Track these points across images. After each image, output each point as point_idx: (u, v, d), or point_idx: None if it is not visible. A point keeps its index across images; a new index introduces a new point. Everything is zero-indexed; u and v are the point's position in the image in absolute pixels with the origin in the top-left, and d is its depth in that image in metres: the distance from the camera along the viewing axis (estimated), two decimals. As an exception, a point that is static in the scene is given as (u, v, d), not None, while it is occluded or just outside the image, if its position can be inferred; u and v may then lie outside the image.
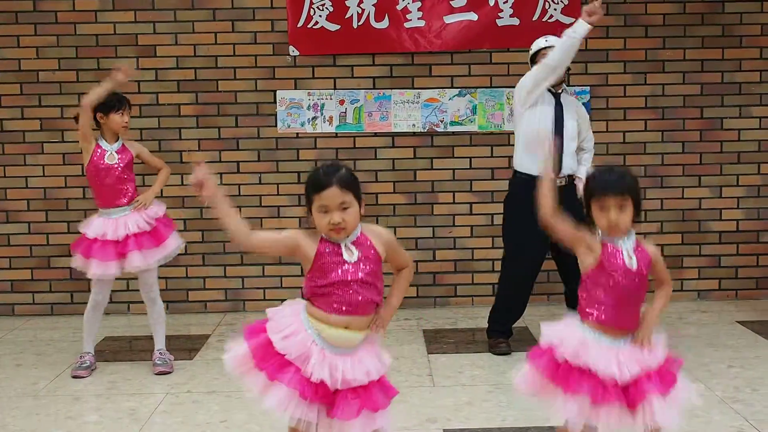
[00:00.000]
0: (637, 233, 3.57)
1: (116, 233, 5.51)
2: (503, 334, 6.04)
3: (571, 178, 5.79)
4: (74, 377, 5.61)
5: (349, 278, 3.33)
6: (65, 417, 4.96)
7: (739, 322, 6.66)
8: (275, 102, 7.14)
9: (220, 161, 7.14)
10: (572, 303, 6.04)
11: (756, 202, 7.19)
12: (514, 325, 6.17)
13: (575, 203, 5.76)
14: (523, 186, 5.52)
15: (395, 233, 7.15)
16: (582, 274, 3.59)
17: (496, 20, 7.12)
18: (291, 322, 3.40)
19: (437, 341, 6.31)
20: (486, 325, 6.16)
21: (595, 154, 6.62)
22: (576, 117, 5.91)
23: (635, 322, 3.57)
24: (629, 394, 3.48)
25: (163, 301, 5.87)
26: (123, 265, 5.53)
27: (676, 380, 3.57)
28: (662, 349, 3.60)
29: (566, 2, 7.09)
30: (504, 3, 7.11)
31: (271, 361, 3.35)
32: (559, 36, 5.73)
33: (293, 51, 7.11)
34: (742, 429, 4.57)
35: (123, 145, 5.67)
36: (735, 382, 5.30)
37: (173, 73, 7.12)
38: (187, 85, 7.13)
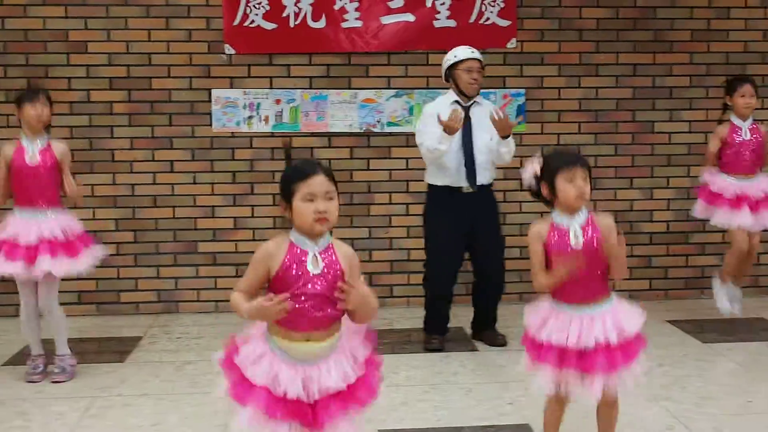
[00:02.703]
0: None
1: (28, 236, 5.28)
2: (437, 332, 6.13)
3: (484, 186, 5.95)
4: (27, 382, 5.48)
5: (310, 292, 3.24)
6: (-9, 421, 4.85)
7: (668, 321, 6.77)
8: (210, 101, 7.07)
9: (154, 160, 7.05)
10: (477, 327, 6.22)
11: (685, 204, 7.30)
12: (451, 325, 6.26)
13: (489, 206, 5.97)
14: (437, 197, 5.98)
15: (331, 234, 7.15)
16: None
17: (433, 22, 7.14)
18: (256, 345, 3.31)
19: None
20: (422, 326, 6.21)
21: (530, 156, 6.68)
22: (488, 129, 5.85)
23: (598, 290, 3.77)
24: (585, 364, 3.71)
25: (94, 303, 5.77)
26: (31, 269, 5.29)
27: (633, 357, 3.78)
28: (635, 322, 3.80)
29: (502, 5, 7.14)
30: (441, 5, 7.13)
31: (243, 386, 3.29)
32: (474, 47, 5.97)
33: (229, 49, 7.05)
34: (671, 426, 4.65)
35: (49, 144, 5.46)
36: (664, 380, 5.39)
37: (105, 70, 7.00)
38: (120, 82, 7.01)
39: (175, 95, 7.06)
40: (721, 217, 6.23)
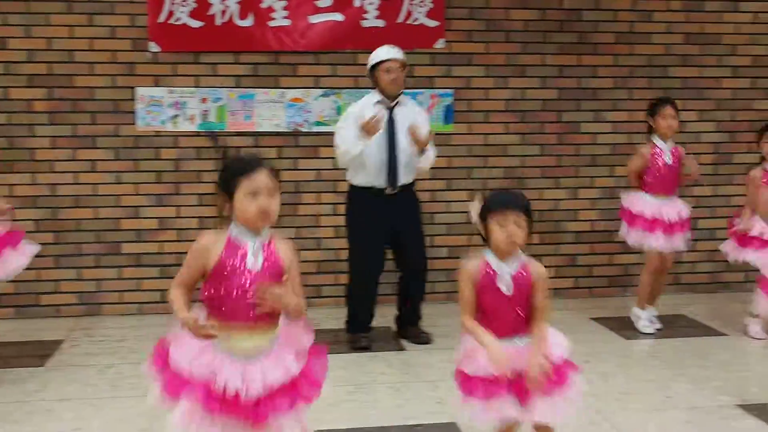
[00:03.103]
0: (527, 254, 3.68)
1: None
2: (361, 330, 6.16)
3: (406, 186, 5.98)
4: None
5: (250, 285, 3.20)
6: None
7: (593, 318, 6.86)
8: (134, 99, 6.96)
9: (76, 159, 6.92)
10: (401, 324, 6.20)
11: (609, 203, 7.42)
12: (379, 324, 6.29)
13: (411, 205, 6.02)
14: (359, 197, 6.01)
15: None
16: None
17: (362, 21, 7.14)
18: (192, 343, 3.23)
19: (301, 342, 6.26)
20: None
21: (458, 156, 6.76)
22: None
23: (524, 329, 3.66)
24: (521, 391, 3.59)
25: (13, 306, 5.62)
26: None
27: (565, 382, 3.69)
28: (560, 350, 3.71)
29: (430, 5, 7.16)
30: (369, 4, 7.13)
31: (178, 382, 3.22)
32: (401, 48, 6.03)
33: (154, 47, 6.95)
34: (594, 421, 4.71)
35: None
36: (588, 376, 5.40)
37: (25, 66, 6.84)
38: (40, 79, 6.86)
39: (98, 93, 6.93)
40: (635, 237, 6.34)
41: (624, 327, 6.56)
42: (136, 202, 7.02)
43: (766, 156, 6.32)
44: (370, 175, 5.92)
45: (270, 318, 3.28)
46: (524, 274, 3.65)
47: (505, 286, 3.61)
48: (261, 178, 3.21)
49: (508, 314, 3.63)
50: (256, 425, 3.23)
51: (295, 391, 3.31)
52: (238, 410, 3.20)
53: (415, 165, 5.99)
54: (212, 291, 3.24)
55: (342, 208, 7.14)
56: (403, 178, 5.94)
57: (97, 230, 6.99)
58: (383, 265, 6.12)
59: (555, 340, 3.74)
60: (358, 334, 6.12)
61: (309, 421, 4.69)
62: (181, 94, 7.02)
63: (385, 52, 5.93)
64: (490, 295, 3.62)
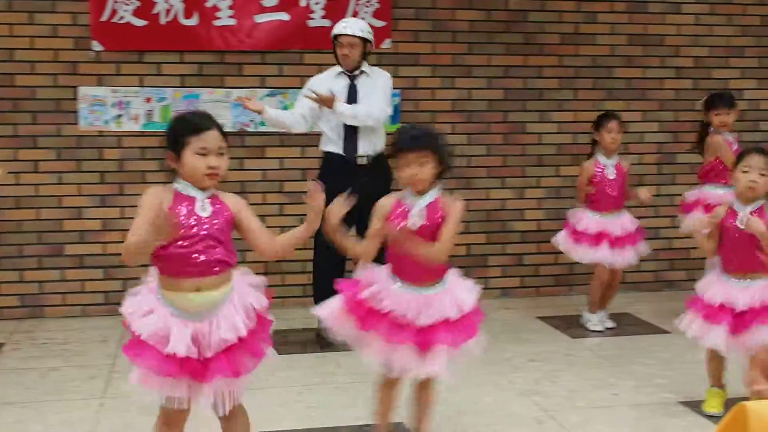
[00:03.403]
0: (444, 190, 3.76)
1: None
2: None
3: (371, 157, 5.97)
4: None
5: (200, 232, 3.23)
6: None
7: (539, 317, 6.91)
8: (76, 98, 6.86)
9: (16, 160, 6.78)
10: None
11: (555, 203, 7.48)
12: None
13: (377, 179, 5.89)
14: (327, 163, 6.03)
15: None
16: None
17: (308, 21, 7.11)
18: (146, 301, 3.27)
19: (247, 343, 6.22)
20: (298, 327, 6.19)
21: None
22: (376, 97, 5.96)
23: (434, 272, 3.76)
24: (425, 339, 3.69)
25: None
26: None
27: (474, 333, 3.82)
28: (472, 298, 3.82)
29: (377, 6, 7.16)
30: (315, 4, 7.10)
31: (137, 344, 3.25)
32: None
33: (96, 46, 6.85)
34: (540, 420, 4.74)
35: None
36: (535, 375, 5.50)
37: (-35, 65, 6.73)
38: (-20, 78, 6.75)
39: (39, 93, 6.81)
40: (581, 254, 6.39)
41: (570, 326, 6.62)
42: (79, 203, 6.92)
43: (717, 127, 6.41)
44: (333, 144, 5.99)
45: (221, 269, 3.30)
46: (437, 206, 3.77)
47: (415, 218, 3.73)
48: (212, 137, 3.24)
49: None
50: (202, 382, 3.26)
51: (241, 351, 3.32)
52: (188, 370, 3.22)
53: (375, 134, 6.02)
54: (163, 245, 3.22)
55: (288, 209, 7.16)
56: (363, 147, 5.95)
57: (39, 231, 6.87)
58: (344, 257, 5.99)
59: (465, 288, 3.84)
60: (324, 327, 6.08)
61: (256, 424, 4.69)
62: (124, 93, 6.93)
63: (339, 27, 5.98)
64: (397, 228, 3.72)
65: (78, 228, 6.92)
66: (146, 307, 3.25)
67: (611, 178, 6.36)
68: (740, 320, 4.51)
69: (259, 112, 5.94)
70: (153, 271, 3.34)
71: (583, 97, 7.46)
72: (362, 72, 6.02)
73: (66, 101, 6.85)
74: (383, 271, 3.82)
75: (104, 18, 6.82)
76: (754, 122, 7.85)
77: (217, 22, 6.98)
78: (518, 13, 7.45)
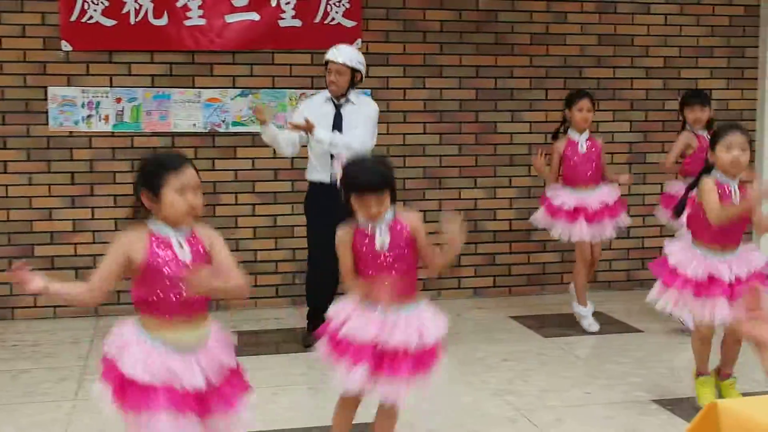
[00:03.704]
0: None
1: None
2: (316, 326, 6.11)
3: None
4: None
5: (180, 279, 3.17)
6: None
7: (512, 317, 6.93)
8: (46, 99, 6.80)
9: (-14, 160, 6.74)
10: None
11: (527, 203, 7.50)
12: (295, 326, 6.29)
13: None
14: (312, 192, 6.04)
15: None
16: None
17: (279, 21, 7.09)
18: (139, 349, 3.19)
19: (219, 345, 6.20)
20: (271, 327, 6.20)
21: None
22: (360, 126, 5.95)
23: (404, 292, 3.75)
24: (385, 363, 3.69)
25: None
26: None
27: (430, 366, 3.76)
28: (437, 331, 3.79)
29: (347, 5, 7.15)
30: (286, 4, 7.09)
31: (135, 394, 3.16)
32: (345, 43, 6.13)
33: (66, 46, 6.80)
34: (514, 419, 4.76)
35: None
36: (508, 375, 5.52)
37: (-68, 65, 6.65)
38: (-52, 78, 6.67)
39: (8, 93, 6.75)
40: (559, 230, 6.41)
41: (543, 325, 6.65)
42: (49, 204, 6.86)
43: (692, 124, 6.45)
44: (319, 172, 5.97)
45: (203, 309, 3.28)
46: (401, 225, 3.79)
47: (380, 241, 3.75)
48: (191, 175, 3.23)
49: (391, 271, 3.75)
50: (204, 417, 3.23)
51: (233, 386, 3.32)
52: (196, 406, 3.19)
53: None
54: (145, 289, 3.20)
55: (260, 209, 7.15)
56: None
57: (9, 232, 6.81)
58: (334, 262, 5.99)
59: (433, 320, 3.80)
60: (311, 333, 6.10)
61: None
62: (94, 93, 6.88)
63: (330, 53, 5.96)
64: (368, 255, 3.75)
65: (48, 229, 6.86)
66: (141, 352, 3.17)
67: (584, 152, 6.40)
68: (732, 292, 4.60)
69: (263, 122, 5.89)
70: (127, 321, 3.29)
71: (553, 97, 7.49)
72: (348, 101, 6.01)
73: (35, 101, 6.79)
74: (352, 300, 3.81)
75: (73, 18, 6.77)
76: (723, 122, 7.90)
77: (187, 22, 6.95)
78: (489, 13, 7.47)
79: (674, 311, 4.90)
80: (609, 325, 6.71)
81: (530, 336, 6.41)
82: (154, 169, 3.24)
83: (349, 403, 3.94)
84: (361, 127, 5.93)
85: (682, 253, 4.78)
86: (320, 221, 5.88)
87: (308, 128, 5.79)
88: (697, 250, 4.73)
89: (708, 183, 4.68)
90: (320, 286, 6.04)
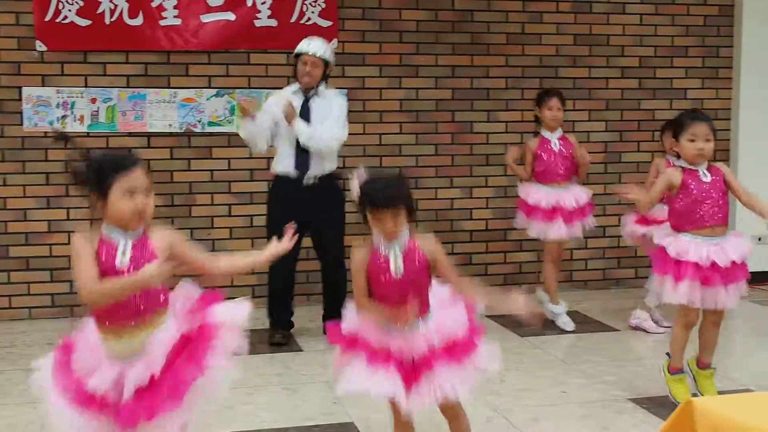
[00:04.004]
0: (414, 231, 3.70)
1: None
2: (281, 326, 6.19)
3: (319, 177, 6.00)
4: None
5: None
6: None
7: (488, 316, 6.92)
8: (21, 99, 6.76)
9: (-41, 161, 6.68)
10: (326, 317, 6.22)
11: (503, 202, 7.52)
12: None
13: (331, 199, 5.98)
14: (277, 185, 6.09)
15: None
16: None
17: (254, 21, 7.08)
18: (89, 348, 3.18)
19: (196, 345, 6.19)
20: (247, 327, 6.15)
21: (353, 156, 6.76)
22: (329, 119, 6.02)
23: (423, 307, 3.66)
24: (416, 369, 3.61)
25: None
26: None
27: (474, 349, 3.71)
28: (460, 322, 3.70)
29: (323, 5, 7.15)
30: (262, 4, 7.07)
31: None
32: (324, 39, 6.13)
33: (40, 46, 6.76)
34: (491, 418, 4.77)
35: None
36: (485, 374, 5.51)
37: None
38: None
39: (-19, 93, 6.72)
40: (537, 230, 6.43)
41: (519, 324, 6.63)
42: (23, 205, 6.82)
43: (668, 150, 6.50)
44: (285, 164, 5.99)
45: (147, 316, 3.17)
46: (415, 250, 3.67)
47: (395, 266, 3.63)
48: (139, 176, 3.11)
49: (403, 294, 3.61)
50: (125, 427, 3.13)
51: (163, 391, 3.17)
52: (108, 410, 3.12)
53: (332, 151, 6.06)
54: None
55: (237, 209, 7.13)
56: (316, 168, 5.97)
57: (-18, 234, 6.78)
58: (296, 256, 5.95)
59: (453, 315, 3.72)
60: (276, 330, 6.14)
61: (205, 426, 4.65)
62: (69, 94, 6.84)
63: (304, 45, 5.99)
64: (383, 276, 3.63)
65: (23, 230, 6.82)
66: (87, 352, 3.16)
67: (557, 150, 6.42)
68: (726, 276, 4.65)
69: (252, 118, 5.94)
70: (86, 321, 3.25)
71: (529, 96, 7.49)
72: (317, 94, 6.05)
73: (10, 102, 6.75)
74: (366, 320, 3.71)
75: (48, 18, 6.73)
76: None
77: (162, 22, 6.93)
78: (465, 13, 7.49)
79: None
80: (585, 324, 6.74)
81: (506, 335, 6.42)
82: (101, 170, 3.12)
83: (405, 426, 3.82)
84: (332, 119, 5.98)
85: (679, 242, 4.73)
86: (285, 217, 5.86)
87: (291, 115, 5.83)
88: (688, 237, 4.72)
89: (668, 171, 4.79)
90: (281, 291, 6.12)
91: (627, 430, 4.64)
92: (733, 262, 4.66)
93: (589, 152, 7.38)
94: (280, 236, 5.82)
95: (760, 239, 7.64)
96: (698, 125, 4.70)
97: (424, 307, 3.68)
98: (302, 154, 5.97)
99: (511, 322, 6.70)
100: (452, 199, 7.58)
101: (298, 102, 6.00)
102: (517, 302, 3.72)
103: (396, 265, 3.63)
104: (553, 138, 6.44)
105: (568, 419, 4.79)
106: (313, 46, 5.98)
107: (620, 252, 7.87)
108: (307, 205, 5.90)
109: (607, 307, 7.13)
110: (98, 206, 3.12)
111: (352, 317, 3.74)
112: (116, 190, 3.07)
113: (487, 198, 7.63)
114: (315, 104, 6.02)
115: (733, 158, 7.95)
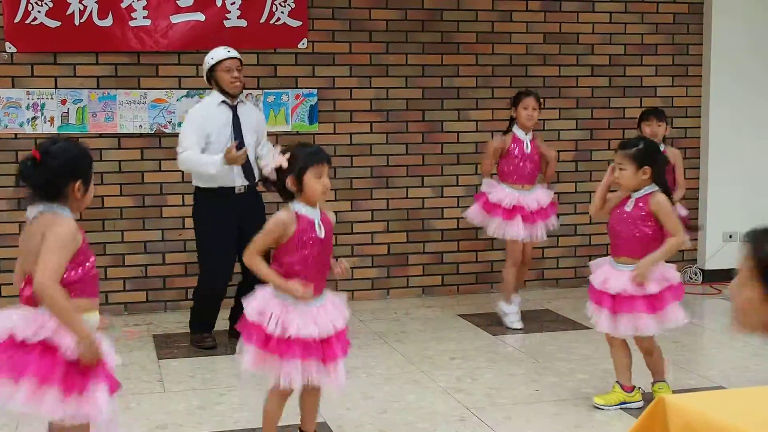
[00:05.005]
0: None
1: None
2: (206, 329, 6.18)
3: (249, 187, 5.99)
4: None
5: (93, 259, 3.44)
6: None
7: (460, 315, 6.97)
8: (-11, 101, 6.72)
9: (-73, 164, 6.62)
10: (232, 322, 6.14)
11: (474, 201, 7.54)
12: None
13: (257, 206, 6.04)
14: (207, 198, 5.99)
15: (122, 237, 6.96)
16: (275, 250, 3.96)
17: (224, 21, 7.06)
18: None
19: (168, 346, 6.17)
20: (219, 328, 6.17)
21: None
22: (255, 128, 6.05)
23: (325, 283, 4.00)
24: (324, 352, 3.89)
25: None
26: None
27: (347, 347, 4.05)
28: (345, 313, 4.03)
29: (293, 5, 7.14)
30: (231, 4, 7.06)
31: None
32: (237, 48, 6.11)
33: (10, 47, 6.71)
34: (463, 417, 4.79)
35: None
36: (457, 373, 5.55)
37: None
38: None
39: (-50, 95, 6.65)
40: (495, 228, 6.46)
41: (491, 323, 6.69)
42: (-8, 208, 6.77)
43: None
44: (219, 176, 5.86)
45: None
46: (326, 219, 3.99)
47: (319, 229, 3.91)
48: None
49: (324, 260, 3.96)
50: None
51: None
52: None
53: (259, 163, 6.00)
54: (80, 268, 3.34)
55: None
56: (255, 174, 5.97)
57: (-49, 237, 6.72)
58: (233, 267, 6.04)
59: (341, 306, 4.02)
60: (203, 334, 6.13)
61: (177, 426, 4.66)
62: (39, 95, 6.80)
63: (224, 52, 5.94)
64: (309, 241, 3.88)
65: (-8, 233, 6.77)
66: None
67: (527, 151, 6.47)
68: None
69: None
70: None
71: (500, 95, 7.54)
72: (240, 100, 6.03)
73: (-23, 104, 6.70)
74: (268, 293, 3.91)
75: (17, 19, 6.68)
76: (668, 119, 8.01)
77: (132, 23, 6.89)
78: (434, 12, 7.50)
79: None
80: (557, 322, 6.78)
81: (479, 334, 6.46)
82: (85, 161, 3.42)
83: (286, 393, 4.04)
84: (264, 138, 6.13)
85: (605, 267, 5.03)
86: (222, 228, 5.88)
87: (242, 159, 5.76)
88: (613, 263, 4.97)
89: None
90: (211, 300, 6.13)
91: (599, 428, 4.68)
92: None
93: (560, 151, 7.47)
94: (216, 249, 5.91)
95: (731, 236, 7.74)
96: (618, 153, 4.82)
97: (323, 283, 3.97)
98: (248, 164, 5.88)
99: (484, 321, 6.76)
100: (423, 198, 7.59)
101: (227, 114, 5.91)
102: None
103: (319, 226, 3.90)
104: (526, 139, 6.47)
105: (540, 417, 4.83)
106: (233, 51, 5.95)
107: (591, 250, 7.88)
108: (238, 214, 5.89)
109: (578, 305, 7.13)
110: (77, 193, 3.35)
111: (263, 294, 3.92)
112: (80, 182, 3.36)
113: (458, 197, 7.65)
114: (242, 113, 5.97)
115: (703, 155, 8.03)
